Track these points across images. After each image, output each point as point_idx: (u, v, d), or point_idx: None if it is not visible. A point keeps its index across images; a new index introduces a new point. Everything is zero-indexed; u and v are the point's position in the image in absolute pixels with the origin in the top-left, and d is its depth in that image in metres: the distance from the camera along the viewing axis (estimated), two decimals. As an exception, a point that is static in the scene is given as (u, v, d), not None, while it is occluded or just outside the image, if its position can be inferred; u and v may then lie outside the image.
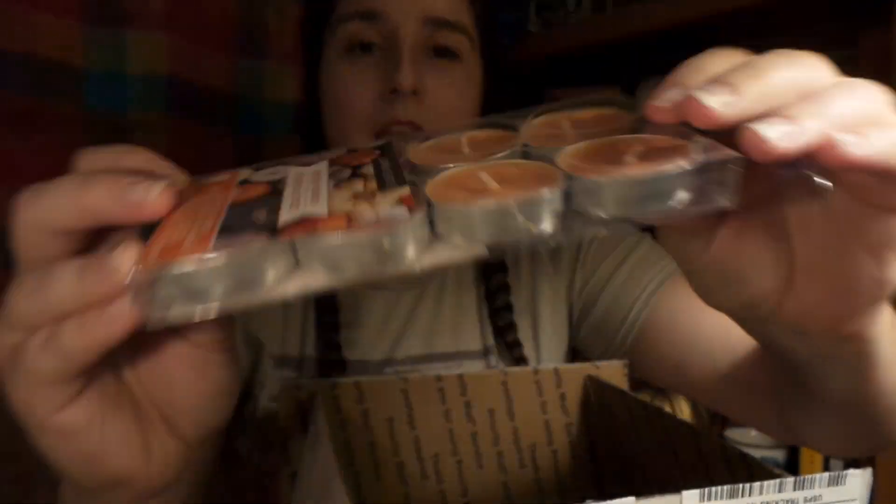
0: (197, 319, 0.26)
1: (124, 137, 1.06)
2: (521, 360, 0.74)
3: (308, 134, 0.74)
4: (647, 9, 1.20)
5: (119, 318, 0.26)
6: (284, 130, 1.26)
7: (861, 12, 1.11)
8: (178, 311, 0.26)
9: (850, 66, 1.08)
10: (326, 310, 0.70)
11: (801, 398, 0.45)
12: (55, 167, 1.12)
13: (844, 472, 0.34)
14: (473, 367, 0.74)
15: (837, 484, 0.34)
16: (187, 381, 0.32)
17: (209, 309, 0.26)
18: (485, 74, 0.69)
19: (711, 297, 0.36)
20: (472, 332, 0.75)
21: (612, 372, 0.61)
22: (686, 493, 0.31)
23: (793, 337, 0.35)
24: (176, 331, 0.31)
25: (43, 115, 0.99)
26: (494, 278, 0.75)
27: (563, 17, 1.40)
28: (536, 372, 0.61)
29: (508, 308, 0.75)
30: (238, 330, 0.64)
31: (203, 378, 0.32)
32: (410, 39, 0.61)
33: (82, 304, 0.26)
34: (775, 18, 1.17)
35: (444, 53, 0.64)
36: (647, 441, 0.55)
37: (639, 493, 0.32)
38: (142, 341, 0.31)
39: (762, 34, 1.25)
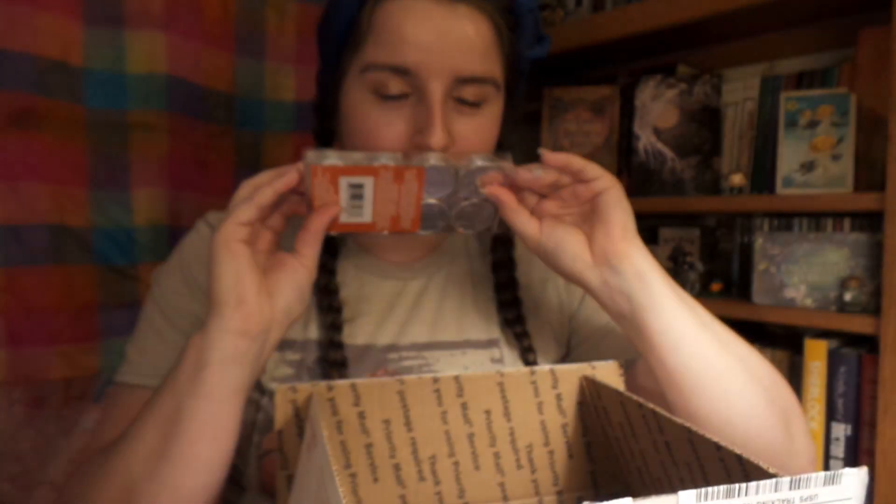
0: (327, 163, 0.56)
1: (124, 136, 1.06)
2: (528, 351, 0.75)
3: (322, 137, 0.76)
4: (647, 8, 1.20)
5: (288, 178, 0.56)
6: (284, 128, 1.26)
7: (861, 11, 1.11)
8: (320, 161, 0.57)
9: (849, 63, 1.08)
10: (329, 296, 0.71)
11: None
12: (56, 166, 1.13)
13: (840, 471, 0.34)
14: (478, 356, 0.74)
15: (833, 483, 0.34)
16: (287, 275, 0.58)
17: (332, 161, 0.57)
18: (507, 103, 0.71)
19: (555, 264, 0.63)
20: (478, 322, 0.76)
21: (608, 372, 0.61)
22: (683, 494, 0.31)
23: (612, 275, 0.60)
24: (293, 253, 0.59)
25: (43, 114, 0.99)
26: (503, 272, 0.77)
27: (562, 16, 1.40)
28: (533, 373, 0.61)
29: (517, 302, 0.77)
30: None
31: (297, 276, 0.58)
32: (440, 96, 0.63)
33: (273, 178, 0.57)
34: (774, 18, 1.17)
35: (470, 102, 0.66)
36: (643, 441, 0.55)
37: (635, 494, 0.31)
38: (276, 256, 0.59)
39: (761, 33, 1.25)
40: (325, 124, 0.75)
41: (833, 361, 1.03)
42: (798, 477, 0.33)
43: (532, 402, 0.61)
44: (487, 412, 0.60)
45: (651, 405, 0.52)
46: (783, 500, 0.33)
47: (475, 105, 0.66)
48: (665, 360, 0.60)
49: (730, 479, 0.42)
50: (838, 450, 1.02)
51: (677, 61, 1.37)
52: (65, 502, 0.62)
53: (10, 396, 0.98)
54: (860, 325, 0.98)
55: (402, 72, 0.62)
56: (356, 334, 0.72)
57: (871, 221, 1.05)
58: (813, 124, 1.09)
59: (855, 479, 0.34)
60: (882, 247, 0.95)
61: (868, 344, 1.03)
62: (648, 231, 1.44)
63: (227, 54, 1.17)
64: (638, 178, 1.31)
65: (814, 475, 0.34)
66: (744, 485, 0.32)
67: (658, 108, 1.29)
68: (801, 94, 1.12)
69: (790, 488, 0.33)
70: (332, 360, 0.69)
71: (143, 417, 0.56)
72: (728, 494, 0.32)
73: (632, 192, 1.33)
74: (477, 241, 0.82)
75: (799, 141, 1.10)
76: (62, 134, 1.01)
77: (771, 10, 1.11)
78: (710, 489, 0.32)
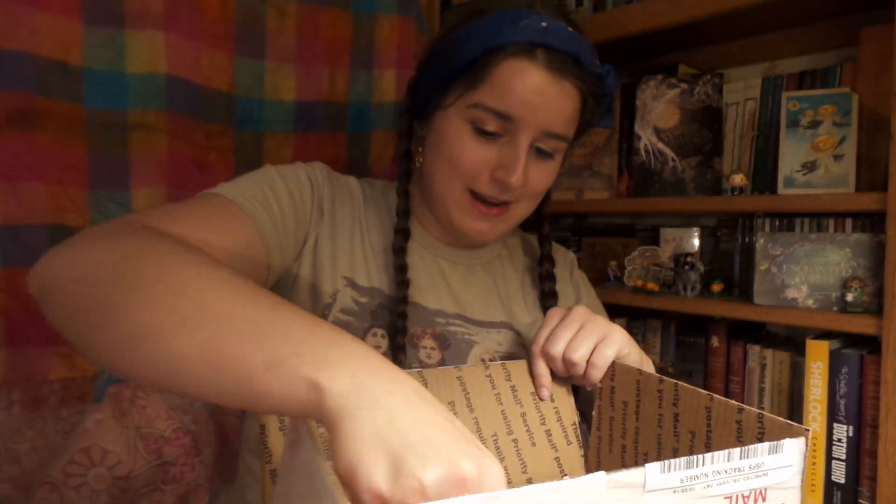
0: None
1: (124, 136, 1.06)
2: None
3: (406, 136, 0.87)
4: (648, 8, 1.19)
5: None
6: (283, 128, 1.26)
7: (862, 11, 1.10)
8: None
9: (851, 63, 1.07)
10: (401, 256, 0.82)
11: None
12: (55, 165, 1.12)
13: (782, 441, 0.38)
14: (509, 335, 0.88)
15: (776, 452, 0.38)
16: None
17: None
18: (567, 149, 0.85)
19: None
20: (512, 309, 0.91)
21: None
22: (649, 466, 0.35)
23: None
24: None
25: (43, 113, 0.99)
26: (546, 284, 0.92)
27: (563, 15, 1.40)
28: (487, 367, 0.69)
29: (556, 294, 0.92)
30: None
31: None
32: (526, 143, 0.77)
33: None
34: (776, 17, 1.17)
35: (546, 152, 0.80)
36: (645, 416, 0.59)
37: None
38: None
39: (762, 33, 1.25)
40: (411, 127, 0.87)
41: (835, 362, 1.02)
42: (746, 448, 0.38)
43: (490, 395, 0.68)
44: (451, 403, 0.65)
45: (673, 380, 0.57)
46: (735, 469, 0.37)
47: (549, 155, 0.81)
48: None
49: (741, 438, 0.47)
50: (840, 451, 1.01)
51: (678, 61, 1.36)
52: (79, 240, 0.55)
53: (10, 397, 0.98)
54: (862, 325, 0.98)
55: (504, 117, 0.76)
56: (411, 293, 0.83)
57: (872, 222, 1.05)
58: (814, 124, 1.09)
59: (794, 448, 0.38)
60: (884, 247, 0.95)
61: (870, 344, 1.02)
62: (650, 231, 1.43)
63: (226, 54, 1.17)
64: (639, 179, 1.31)
65: (760, 446, 0.38)
66: (701, 456, 0.37)
67: (659, 108, 1.28)
68: (802, 94, 1.11)
69: (740, 458, 0.38)
70: (397, 311, 0.79)
71: (232, 312, 0.45)
72: (688, 465, 0.36)
73: (633, 192, 1.32)
74: (514, 245, 1.00)
75: (800, 141, 1.10)
76: (62, 134, 1.01)
77: (772, 10, 1.10)
78: (672, 461, 0.36)
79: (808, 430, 0.39)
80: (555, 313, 0.74)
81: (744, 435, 0.47)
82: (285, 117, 1.25)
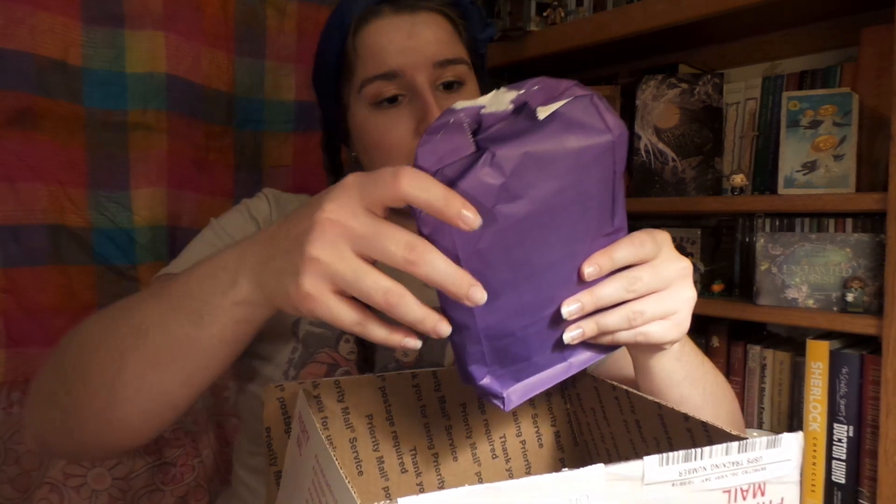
0: None
1: (124, 136, 1.06)
2: None
3: (333, 171, 0.89)
4: (648, 8, 1.19)
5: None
6: (284, 128, 1.26)
7: (863, 11, 1.10)
8: None
9: (852, 63, 1.07)
10: None
11: None
12: (55, 165, 1.12)
13: (780, 435, 0.38)
14: None
15: (774, 447, 0.38)
16: None
17: None
18: (478, 81, 0.85)
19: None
20: None
21: None
22: (647, 459, 0.35)
23: (647, 351, 0.59)
24: None
25: (43, 113, 0.99)
26: None
27: (563, 16, 1.40)
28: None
29: None
30: None
31: None
32: (427, 84, 0.75)
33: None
34: (776, 17, 1.17)
35: (453, 85, 0.78)
36: (614, 423, 0.58)
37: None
38: None
39: (763, 33, 1.25)
40: (335, 159, 0.88)
41: (835, 362, 1.02)
42: (744, 442, 0.38)
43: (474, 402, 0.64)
44: (463, 405, 0.62)
45: (624, 387, 0.55)
46: (733, 463, 0.37)
47: (458, 84, 0.79)
48: (656, 392, 0.63)
49: (695, 445, 0.46)
50: (840, 451, 1.01)
51: (679, 61, 1.36)
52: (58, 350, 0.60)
53: (9, 397, 0.98)
54: (862, 325, 0.98)
55: (391, 76, 0.75)
56: None
57: (873, 222, 1.05)
58: (815, 124, 1.09)
59: (793, 442, 0.38)
60: (884, 247, 0.95)
61: (870, 345, 1.02)
62: (650, 232, 1.43)
63: (227, 54, 1.17)
64: (639, 179, 1.31)
65: (758, 440, 0.38)
66: (699, 449, 0.36)
67: (659, 108, 1.28)
68: (803, 94, 1.11)
69: (738, 452, 0.37)
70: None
71: (170, 287, 0.53)
72: (686, 458, 0.36)
73: (633, 192, 1.32)
74: None
75: (801, 141, 1.10)
76: (61, 134, 1.01)
77: (773, 10, 1.10)
78: (671, 454, 0.36)
79: (745, 437, 0.39)
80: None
81: (696, 442, 0.47)
82: (285, 117, 1.26)
